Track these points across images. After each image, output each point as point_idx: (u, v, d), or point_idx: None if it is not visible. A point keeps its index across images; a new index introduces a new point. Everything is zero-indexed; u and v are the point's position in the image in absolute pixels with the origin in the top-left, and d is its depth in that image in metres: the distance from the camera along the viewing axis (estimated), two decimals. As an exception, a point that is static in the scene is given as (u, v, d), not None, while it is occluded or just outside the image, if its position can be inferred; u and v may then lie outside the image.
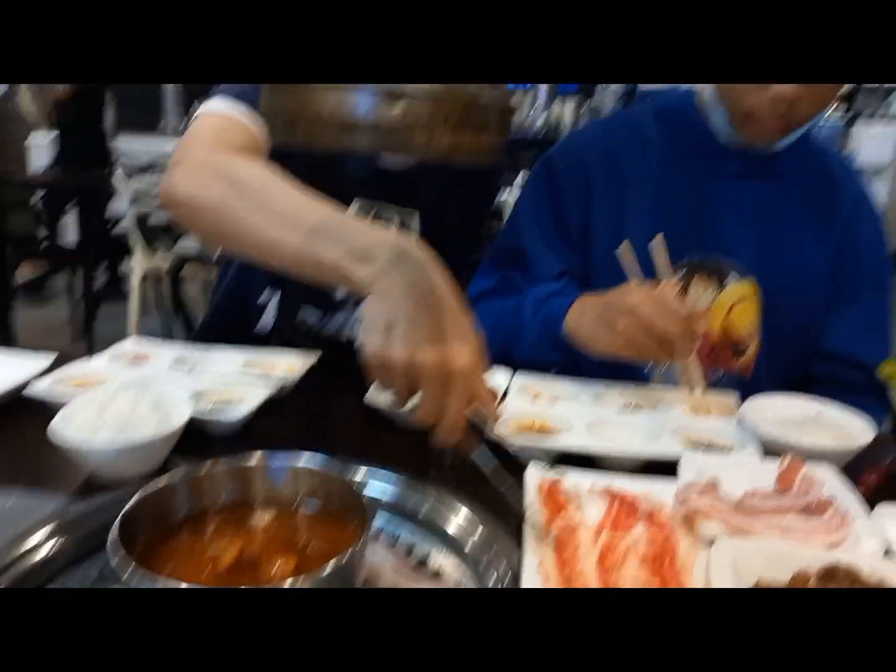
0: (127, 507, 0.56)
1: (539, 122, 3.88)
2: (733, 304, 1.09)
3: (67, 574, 0.65)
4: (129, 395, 0.79)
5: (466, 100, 0.46)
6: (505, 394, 0.98)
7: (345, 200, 1.13)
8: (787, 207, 1.08)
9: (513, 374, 1.02)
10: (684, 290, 1.09)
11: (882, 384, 0.95)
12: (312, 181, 1.08)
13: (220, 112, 0.92)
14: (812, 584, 0.60)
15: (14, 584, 0.60)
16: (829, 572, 0.60)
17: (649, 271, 0.97)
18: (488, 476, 0.67)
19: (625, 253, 0.94)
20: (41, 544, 0.64)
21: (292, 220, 0.73)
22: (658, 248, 0.93)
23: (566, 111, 5.20)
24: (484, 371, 0.67)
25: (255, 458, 0.64)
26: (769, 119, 0.96)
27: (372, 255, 0.65)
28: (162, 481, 0.60)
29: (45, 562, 0.64)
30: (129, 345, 1.08)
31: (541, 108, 3.81)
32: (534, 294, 1.08)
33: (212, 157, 0.84)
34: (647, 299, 0.87)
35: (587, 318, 0.96)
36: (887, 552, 0.64)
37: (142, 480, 0.61)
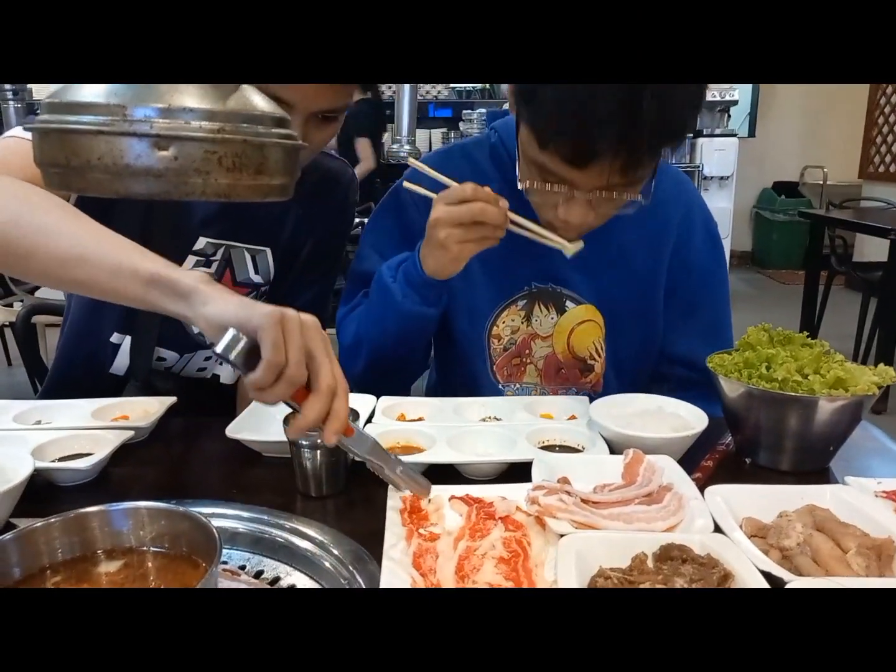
0: (-50, 573, 0.53)
1: (405, 151, 3.94)
2: (574, 327, 1.14)
3: None
4: (-41, 457, 0.74)
5: (241, 141, 0.47)
6: (371, 417, 0.99)
7: (190, 238, 1.11)
8: (617, 232, 1.11)
9: (378, 398, 1.04)
10: (528, 316, 1.14)
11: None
12: (154, 219, 1.07)
13: (21, 135, 0.89)
14: (650, 564, 0.64)
15: None
16: (665, 552, 0.65)
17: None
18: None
19: (413, 187, 0.99)
20: None
21: (103, 236, 0.75)
22: (423, 167, 0.99)
23: (434, 139, 5.34)
24: None
25: (95, 508, 0.62)
26: (565, 230, 0.98)
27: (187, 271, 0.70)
28: (-10, 543, 0.57)
29: None
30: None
31: (405, 138, 3.87)
32: (386, 266, 1.06)
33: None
34: (440, 204, 0.92)
35: (427, 255, 0.98)
36: (716, 528, 0.70)
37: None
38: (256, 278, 1.19)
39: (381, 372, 1.10)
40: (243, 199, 0.48)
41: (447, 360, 1.22)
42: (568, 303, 1.14)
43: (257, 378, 0.65)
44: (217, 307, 0.67)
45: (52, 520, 0.60)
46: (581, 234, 1.00)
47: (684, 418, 0.93)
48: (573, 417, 1.00)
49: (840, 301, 4.53)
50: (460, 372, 1.18)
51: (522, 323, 1.15)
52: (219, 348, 0.65)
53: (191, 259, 1.12)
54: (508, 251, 1.07)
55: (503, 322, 1.14)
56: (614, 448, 0.88)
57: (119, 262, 0.73)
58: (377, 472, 0.76)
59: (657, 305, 1.17)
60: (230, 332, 0.65)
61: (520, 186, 0.97)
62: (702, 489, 0.77)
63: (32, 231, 0.76)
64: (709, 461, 0.90)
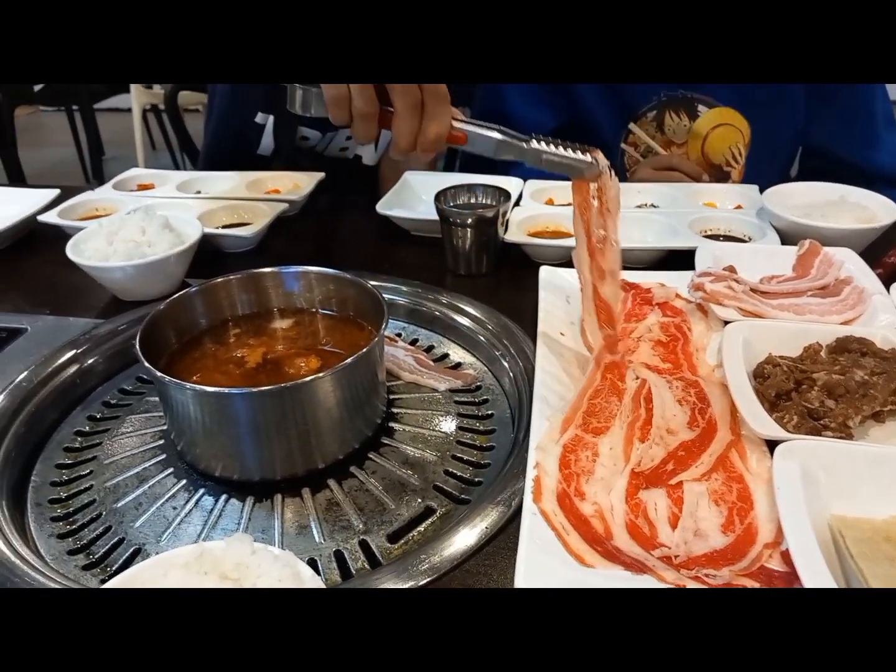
0: (147, 318, 0.57)
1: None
2: (708, 132, 1.07)
3: (103, 388, 0.68)
4: (136, 220, 0.78)
5: None
6: (519, 200, 0.95)
7: None
8: None
9: (525, 180, 0.99)
10: (660, 125, 1.11)
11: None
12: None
13: None
14: (823, 355, 0.61)
15: (53, 397, 0.63)
16: (842, 344, 0.61)
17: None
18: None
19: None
20: (73, 361, 0.66)
21: None
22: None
23: None
24: None
25: (267, 269, 0.65)
26: None
27: None
28: (179, 295, 0.61)
29: (81, 375, 0.66)
30: (132, 174, 1.06)
31: None
32: None
33: None
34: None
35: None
36: (902, 325, 0.64)
37: (162, 300, 0.61)
38: None
39: None
40: None
41: None
42: (700, 107, 1.09)
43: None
44: None
45: (230, 277, 0.63)
46: None
47: (870, 209, 0.84)
48: (739, 207, 0.92)
49: None
50: None
51: (656, 132, 1.13)
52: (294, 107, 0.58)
53: None
54: None
55: (633, 135, 1.14)
56: (787, 240, 0.81)
57: None
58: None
59: (799, 100, 1.08)
60: (297, 89, 0.58)
61: None
62: (885, 285, 0.70)
63: None
64: (892, 257, 0.82)
